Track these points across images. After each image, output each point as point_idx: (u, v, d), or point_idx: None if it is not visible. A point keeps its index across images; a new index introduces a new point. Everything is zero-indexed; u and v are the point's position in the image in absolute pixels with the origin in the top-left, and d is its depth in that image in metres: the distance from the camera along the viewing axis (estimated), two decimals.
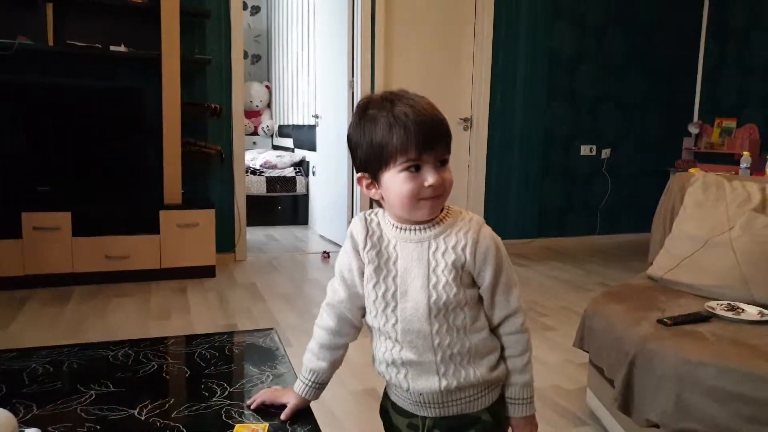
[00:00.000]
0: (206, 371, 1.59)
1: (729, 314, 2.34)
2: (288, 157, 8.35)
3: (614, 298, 2.69)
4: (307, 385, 1.43)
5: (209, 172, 5.48)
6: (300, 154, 8.42)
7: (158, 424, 1.31)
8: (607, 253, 6.49)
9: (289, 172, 8.11)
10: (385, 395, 1.48)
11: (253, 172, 7.91)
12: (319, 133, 7.03)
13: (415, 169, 1.23)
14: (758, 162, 5.15)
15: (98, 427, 1.29)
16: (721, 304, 2.43)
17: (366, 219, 1.38)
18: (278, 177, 7.95)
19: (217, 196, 5.50)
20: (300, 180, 8.00)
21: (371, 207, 1.43)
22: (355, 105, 1.17)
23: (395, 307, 1.32)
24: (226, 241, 5.53)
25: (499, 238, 1.35)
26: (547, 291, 4.94)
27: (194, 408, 1.39)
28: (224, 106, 5.40)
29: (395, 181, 1.24)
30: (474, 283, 1.32)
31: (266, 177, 7.88)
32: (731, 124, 6.65)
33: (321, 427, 1.37)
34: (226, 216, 5.52)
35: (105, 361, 1.64)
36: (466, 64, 6.26)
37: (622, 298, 2.66)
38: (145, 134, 4.95)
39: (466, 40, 6.23)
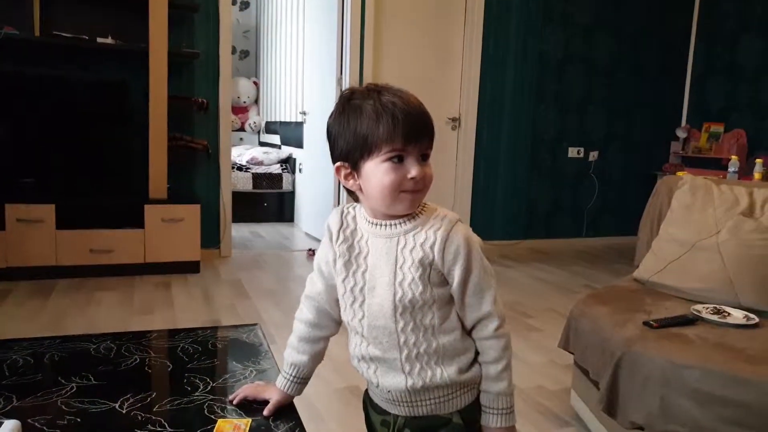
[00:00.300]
0: (189, 366, 1.58)
1: (715, 317, 2.35)
2: (275, 154, 8.31)
3: (600, 299, 2.69)
4: (288, 380, 1.42)
5: (195, 167, 5.45)
6: (287, 150, 8.39)
7: (140, 417, 1.29)
8: (593, 255, 6.50)
9: (276, 168, 8.07)
10: (366, 390, 1.47)
11: (240, 168, 7.88)
12: (307, 130, 7.02)
13: (398, 159, 1.22)
14: (746, 166, 5.18)
15: (79, 419, 1.27)
16: (707, 308, 2.44)
17: (342, 212, 1.37)
18: (264, 173, 7.92)
19: (202, 191, 5.47)
20: (286, 177, 7.97)
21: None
22: None
23: (363, 302, 1.31)
24: (211, 236, 5.50)
25: (475, 238, 1.31)
26: (532, 292, 4.95)
27: (176, 402, 1.37)
28: (211, 101, 5.37)
29: (378, 171, 1.23)
30: (445, 283, 1.29)
31: (252, 173, 7.85)
32: (719, 128, 6.67)
33: (304, 423, 1.35)
34: (211, 212, 5.49)
35: (87, 354, 1.62)
36: (455, 63, 6.25)
37: (608, 300, 2.66)
38: (132, 127, 4.91)
39: (455, 40, 6.22)
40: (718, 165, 6.43)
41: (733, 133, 6.47)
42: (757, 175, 4.18)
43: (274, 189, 7.92)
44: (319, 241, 6.43)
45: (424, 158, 1.25)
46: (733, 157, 4.28)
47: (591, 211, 7.00)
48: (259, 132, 10.05)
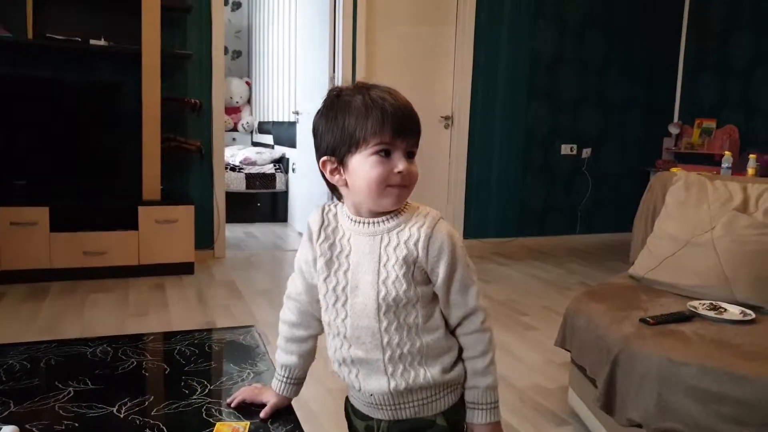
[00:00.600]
0: (186, 369, 1.57)
1: (711, 314, 2.35)
2: (268, 154, 8.30)
3: (596, 297, 2.69)
4: (282, 381, 1.42)
5: (188, 168, 5.44)
6: (280, 150, 8.38)
7: (137, 422, 1.28)
8: (587, 252, 6.51)
9: (269, 168, 8.06)
10: (347, 397, 1.45)
11: (233, 168, 7.86)
12: (300, 129, 7.01)
13: (384, 154, 1.22)
14: (739, 162, 5.19)
15: (76, 424, 1.27)
16: (704, 304, 2.44)
17: (324, 210, 1.36)
18: (258, 174, 7.91)
19: (196, 192, 5.46)
20: (280, 177, 7.96)
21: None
22: None
23: (345, 301, 1.30)
24: (205, 237, 5.48)
25: (457, 235, 1.30)
26: (527, 290, 4.95)
27: (174, 406, 1.36)
28: (204, 101, 5.36)
29: (365, 164, 1.22)
30: (428, 281, 1.28)
31: (246, 173, 7.84)
32: (711, 124, 6.69)
33: (302, 425, 1.35)
34: (205, 212, 5.48)
35: (83, 358, 1.61)
36: (448, 62, 6.25)
37: (604, 297, 2.66)
38: (125, 129, 4.89)
39: (447, 39, 6.22)
40: (710, 161, 6.43)
41: (725, 129, 6.49)
42: (750, 171, 4.19)
43: (268, 189, 7.90)
44: None
45: (410, 156, 1.26)
46: (727, 153, 4.29)
47: (584, 208, 7.01)
48: (251, 132, 10.04)
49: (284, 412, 1.38)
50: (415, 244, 1.25)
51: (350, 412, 1.44)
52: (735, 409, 1.89)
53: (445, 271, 1.26)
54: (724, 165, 4.18)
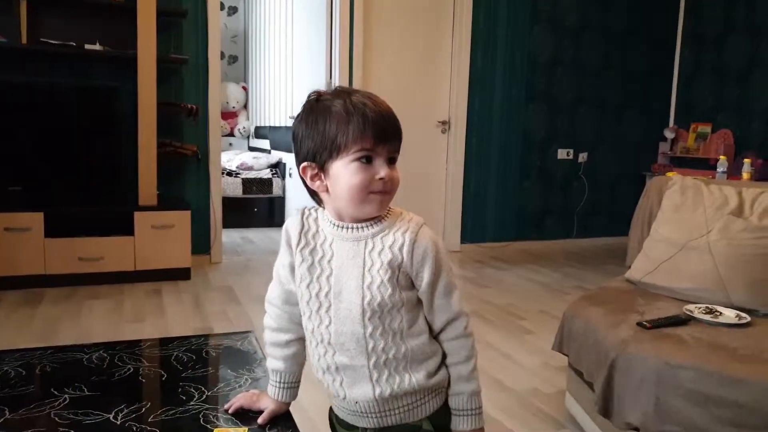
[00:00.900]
0: (183, 374, 1.57)
1: (707, 317, 2.35)
2: (264, 159, 8.30)
3: (593, 301, 2.69)
4: (276, 387, 1.41)
5: (185, 173, 5.43)
6: (276, 155, 8.38)
7: (134, 428, 1.28)
8: (584, 256, 6.51)
9: (266, 173, 8.06)
10: (330, 407, 1.44)
11: (229, 173, 7.85)
12: None
13: (366, 160, 1.21)
14: (734, 166, 5.20)
15: (72, 431, 1.26)
16: (700, 308, 2.44)
17: (303, 214, 1.35)
18: (254, 179, 7.90)
19: (192, 197, 5.45)
20: (276, 182, 7.96)
21: None
22: None
23: (329, 307, 1.29)
24: (201, 243, 5.47)
25: (440, 240, 1.30)
26: (524, 294, 4.95)
27: (171, 412, 1.36)
28: (201, 106, 5.35)
29: (346, 171, 1.22)
30: (412, 285, 1.28)
31: (242, 178, 7.83)
32: (706, 129, 6.70)
33: (300, 431, 1.35)
34: (201, 218, 5.47)
35: (79, 364, 1.61)
36: (445, 66, 6.25)
37: (600, 301, 2.66)
38: (121, 134, 4.87)
39: (444, 43, 6.23)
40: (706, 165, 6.45)
41: (720, 134, 6.51)
42: (745, 175, 4.21)
43: (264, 194, 7.90)
44: None
45: (391, 161, 1.25)
46: (722, 157, 4.30)
47: (581, 212, 7.02)
48: (248, 137, 10.03)
49: (282, 418, 1.37)
50: (400, 248, 1.25)
51: (334, 422, 1.43)
52: (733, 412, 1.89)
53: (429, 276, 1.26)
54: (720, 169, 4.20)
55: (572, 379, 2.72)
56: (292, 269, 1.34)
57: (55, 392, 1.43)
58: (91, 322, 3.94)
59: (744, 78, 6.42)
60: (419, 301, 1.30)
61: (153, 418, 1.33)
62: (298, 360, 1.43)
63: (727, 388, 1.91)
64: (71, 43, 4.78)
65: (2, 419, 1.30)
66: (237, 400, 1.39)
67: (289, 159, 7.74)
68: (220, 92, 5.82)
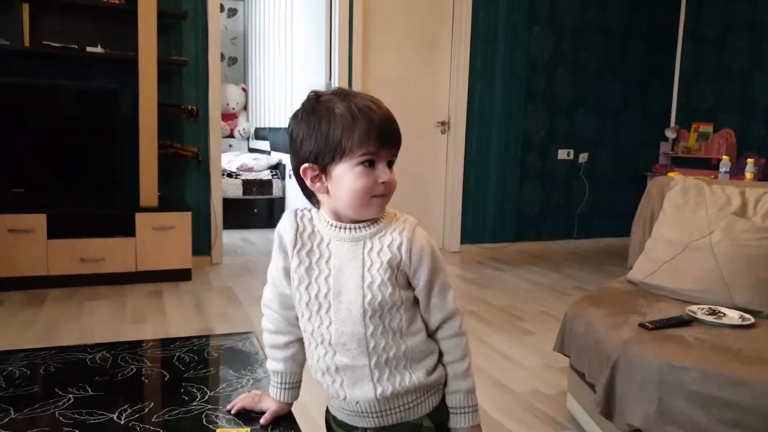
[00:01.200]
0: (185, 375, 1.57)
1: (710, 318, 2.35)
2: (264, 160, 8.30)
3: (595, 302, 2.69)
4: (277, 388, 1.41)
5: (185, 175, 5.43)
6: (276, 156, 8.38)
7: (138, 428, 1.28)
8: (584, 257, 6.51)
9: (266, 175, 8.06)
10: (327, 409, 1.44)
11: (230, 174, 7.85)
12: None
13: (369, 164, 1.22)
14: (737, 166, 5.20)
15: (77, 431, 1.26)
16: (702, 308, 2.44)
17: (297, 215, 1.34)
18: (254, 180, 7.90)
19: (193, 198, 5.45)
20: (276, 183, 7.96)
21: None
22: None
23: (329, 308, 1.29)
24: (202, 244, 5.47)
25: (433, 241, 1.32)
26: (525, 295, 4.94)
27: (174, 412, 1.36)
28: (201, 108, 5.35)
29: (350, 175, 1.22)
30: (409, 285, 1.29)
31: (242, 180, 7.83)
32: (708, 128, 6.70)
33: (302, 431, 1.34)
34: (202, 219, 5.47)
35: (83, 365, 1.61)
36: (444, 67, 6.26)
37: (602, 302, 2.66)
38: (122, 136, 4.88)
39: (444, 44, 6.23)
40: (707, 165, 6.45)
41: (722, 133, 6.51)
42: (748, 175, 4.19)
43: (264, 195, 7.90)
44: None
45: (389, 164, 1.26)
46: (725, 157, 4.29)
47: (581, 212, 7.02)
48: (248, 138, 10.03)
49: (285, 419, 1.37)
50: (399, 247, 1.26)
51: (332, 423, 1.43)
52: (736, 414, 1.89)
53: (427, 275, 1.28)
54: (722, 169, 4.18)
55: (573, 380, 2.72)
56: (287, 272, 1.34)
57: (59, 392, 1.43)
58: (92, 323, 3.94)
59: (745, 77, 6.42)
60: (416, 301, 1.31)
61: (156, 419, 1.33)
62: (297, 360, 1.43)
63: (730, 389, 1.91)
64: (73, 45, 4.79)
65: (7, 419, 1.30)
66: (239, 401, 1.39)
67: (288, 160, 7.71)
68: (220, 94, 5.83)
